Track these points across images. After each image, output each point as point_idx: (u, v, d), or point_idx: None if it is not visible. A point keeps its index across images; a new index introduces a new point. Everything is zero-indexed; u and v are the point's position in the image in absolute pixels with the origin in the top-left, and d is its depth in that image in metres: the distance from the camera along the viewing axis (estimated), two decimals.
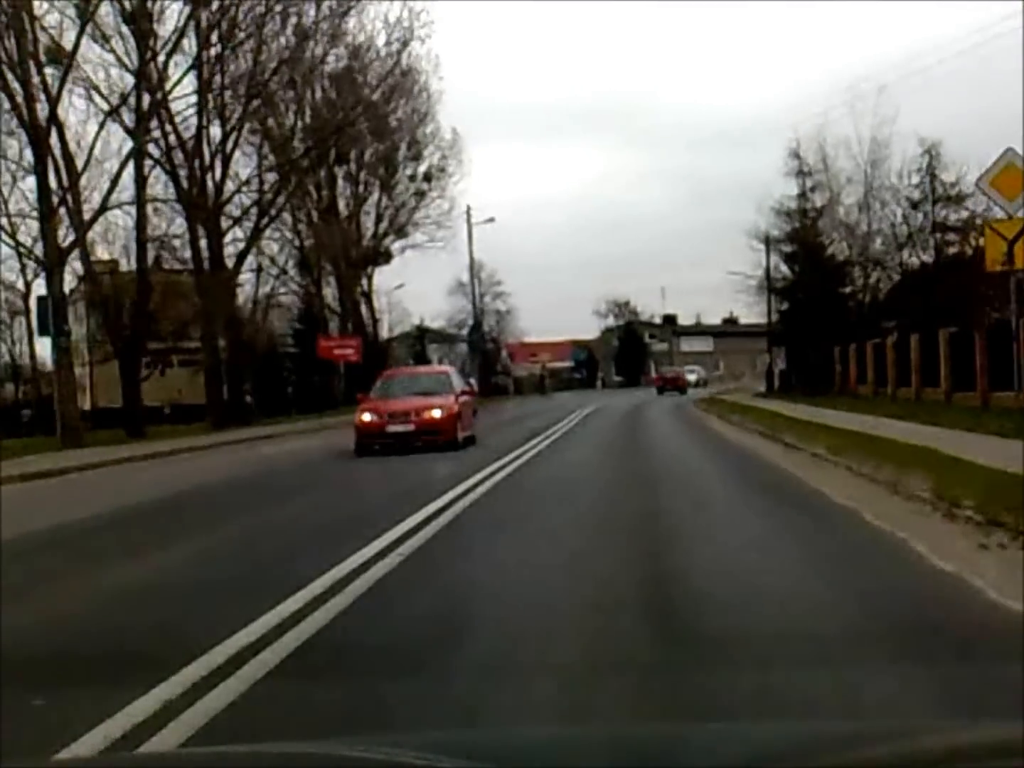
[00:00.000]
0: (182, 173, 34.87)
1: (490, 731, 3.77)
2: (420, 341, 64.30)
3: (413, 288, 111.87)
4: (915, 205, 40.53)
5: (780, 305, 45.91)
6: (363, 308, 62.36)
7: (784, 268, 45.08)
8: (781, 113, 80.00)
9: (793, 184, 43.76)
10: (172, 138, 34.67)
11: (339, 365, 48.73)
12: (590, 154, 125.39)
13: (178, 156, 34.97)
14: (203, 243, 34.94)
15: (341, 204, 59.38)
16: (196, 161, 34.89)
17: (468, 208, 59.90)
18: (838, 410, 25.16)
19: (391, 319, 65.84)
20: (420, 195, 62.86)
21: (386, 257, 64.43)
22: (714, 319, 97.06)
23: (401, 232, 63.31)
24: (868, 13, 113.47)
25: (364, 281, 62.16)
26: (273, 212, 38.60)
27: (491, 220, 58.69)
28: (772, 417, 24.00)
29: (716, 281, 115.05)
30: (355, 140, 57.96)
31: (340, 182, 59.46)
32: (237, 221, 36.23)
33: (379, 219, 61.68)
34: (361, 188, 60.32)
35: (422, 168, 62.78)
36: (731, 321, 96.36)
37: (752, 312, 52.13)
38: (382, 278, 63.95)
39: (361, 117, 42.69)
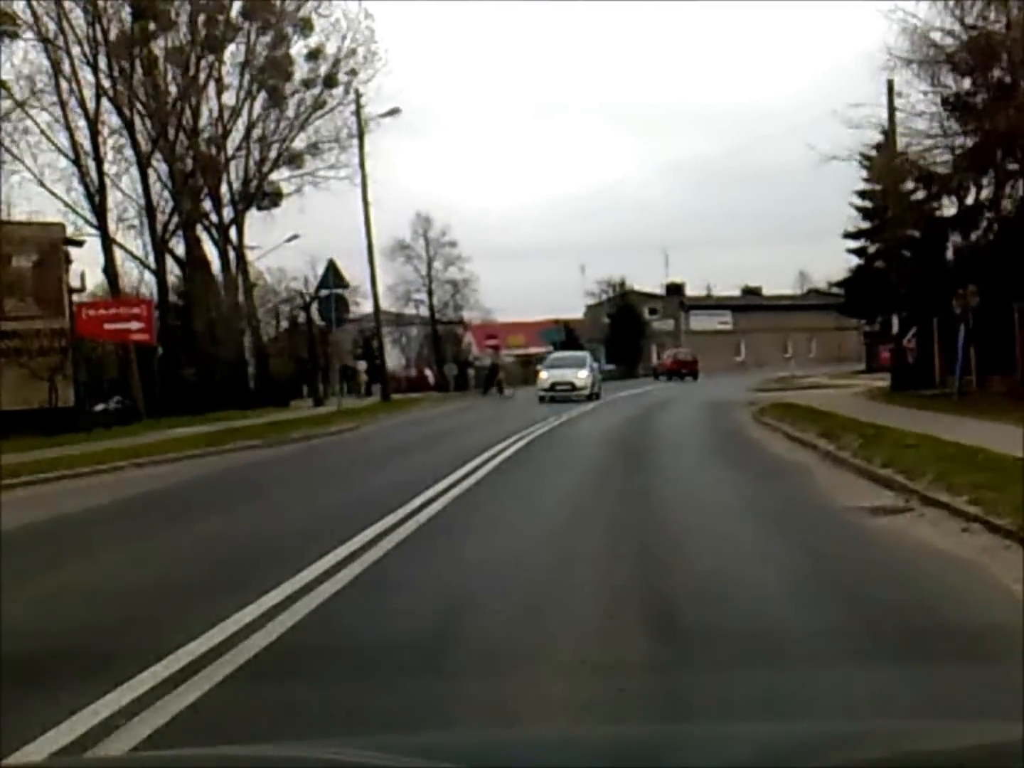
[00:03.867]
0: None
1: (488, 732, 3.75)
2: (307, 314, 43.72)
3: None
4: None
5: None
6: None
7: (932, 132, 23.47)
8: None
9: None
10: None
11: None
12: (580, 136, 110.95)
13: None
14: None
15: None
16: None
17: (357, 93, 40.35)
18: None
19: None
20: (319, 107, 43.28)
21: (274, 198, 44.96)
22: (730, 291, 76.73)
23: (293, 161, 43.88)
24: None
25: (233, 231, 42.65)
26: None
27: (395, 112, 39.15)
28: None
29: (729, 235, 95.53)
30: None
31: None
32: None
33: (252, 137, 42.14)
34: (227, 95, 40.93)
35: (323, 69, 43.21)
36: (753, 292, 76.22)
37: None
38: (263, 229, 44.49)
39: None
